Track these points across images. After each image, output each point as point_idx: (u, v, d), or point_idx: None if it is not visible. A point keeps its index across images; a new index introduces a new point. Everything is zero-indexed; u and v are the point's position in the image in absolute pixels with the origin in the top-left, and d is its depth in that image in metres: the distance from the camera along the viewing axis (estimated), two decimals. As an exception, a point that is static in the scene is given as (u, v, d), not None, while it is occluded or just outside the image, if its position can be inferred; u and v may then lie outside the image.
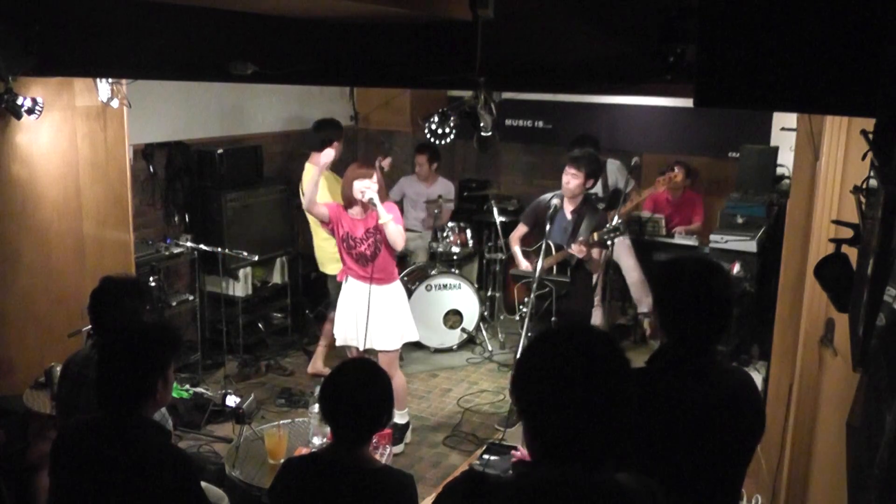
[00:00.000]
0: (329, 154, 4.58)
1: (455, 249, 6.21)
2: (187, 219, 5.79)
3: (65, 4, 3.92)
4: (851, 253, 2.17)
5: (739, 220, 5.21)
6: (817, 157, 3.33)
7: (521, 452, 2.52)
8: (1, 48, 3.72)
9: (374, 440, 2.91)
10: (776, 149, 5.70)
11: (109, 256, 4.71)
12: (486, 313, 6.43)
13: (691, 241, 5.89)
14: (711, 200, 6.30)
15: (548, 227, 4.43)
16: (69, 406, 3.05)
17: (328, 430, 2.41)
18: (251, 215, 5.83)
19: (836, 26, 1.53)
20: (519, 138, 7.36)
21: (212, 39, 3.69)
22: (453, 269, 6.13)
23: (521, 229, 4.88)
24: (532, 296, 4.27)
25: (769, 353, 4.21)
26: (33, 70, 3.94)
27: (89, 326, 3.31)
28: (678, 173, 5.74)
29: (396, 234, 4.28)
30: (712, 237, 5.19)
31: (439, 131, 3.32)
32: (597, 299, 5.31)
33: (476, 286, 6.31)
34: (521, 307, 4.74)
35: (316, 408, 3.22)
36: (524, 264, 4.77)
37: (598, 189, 5.60)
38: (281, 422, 3.83)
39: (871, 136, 1.72)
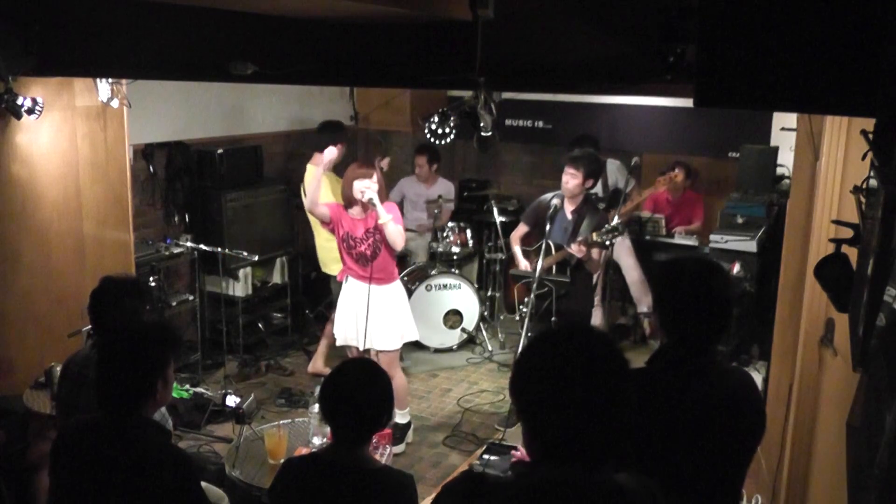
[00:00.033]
0: (331, 152, 4.57)
1: (455, 249, 6.21)
2: (187, 219, 5.78)
3: (65, 4, 3.92)
4: (851, 253, 2.16)
5: (739, 220, 5.20)
6: (817, 157, 3.33)
7: (521, 452, 2.52)
8: (1, 48, 3.72)
9: (374, 440, 2.91)
10: (776, 149, 5.69)
11: (109, 256, 4.71)
12: (486, 313, 6.43)
13: (691, 241, 5.88)
14: (711, 200, 6.30)
15: (548, 226, 4.43)
16: (69, 406, 3.05)
17: (328, 430, 2.41)
18: (251, 215, 5.84)
19: (836, 26, 1.53)
20: (519, 138, 7.35)
21: (212, 39, 3.69)
22: (453, 269, 6.13)
23: (522, 229, 4.89)
24: (532, 296, 4.27)
25: (769, 353, 4.22)
26: (33, 70, 3.93)
27: (89, 326, 3.31)
28: (678, 173, 5.75)
29: (396, 234, 4.29)
30: (712, 237, 5.19)
31: (439, 131, 3.32)
32: (597, 299, 5.30)
33: (476, 286, 6.31)
34: (521, 307, 4.74)
35: (316, 408, 3.22)
36: (524, 264, 4.77)
37: (598, 189, 5.59)
38: (281, 422, 3.83)
39: (871, 136, 1.73)
